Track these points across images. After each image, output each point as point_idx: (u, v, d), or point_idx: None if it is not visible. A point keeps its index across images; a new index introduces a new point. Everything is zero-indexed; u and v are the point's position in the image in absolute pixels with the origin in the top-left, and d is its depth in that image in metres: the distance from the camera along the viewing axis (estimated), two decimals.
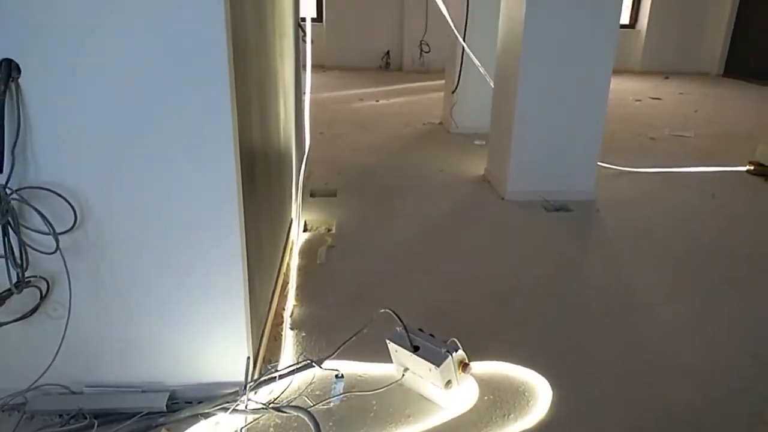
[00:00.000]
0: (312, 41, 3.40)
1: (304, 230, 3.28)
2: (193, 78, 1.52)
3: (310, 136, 3.43)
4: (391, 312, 1.89)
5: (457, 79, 5.58)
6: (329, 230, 3.30)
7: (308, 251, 2.99)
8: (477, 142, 5.34)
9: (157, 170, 1.59)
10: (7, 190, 1.51)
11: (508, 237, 3.34)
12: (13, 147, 1.50)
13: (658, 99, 8.36)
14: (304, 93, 3.27)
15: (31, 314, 1.68)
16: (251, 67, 1.93)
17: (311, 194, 3.87)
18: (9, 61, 1.45)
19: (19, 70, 1.46)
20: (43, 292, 1.67)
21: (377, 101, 7.54)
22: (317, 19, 10.42)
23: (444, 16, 5.24)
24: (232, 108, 1.58)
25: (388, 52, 10.71)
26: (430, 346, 1.85)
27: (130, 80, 1.51)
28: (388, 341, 1.91)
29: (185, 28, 1.47)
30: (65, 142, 1.54)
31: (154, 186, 1.61)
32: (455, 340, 1.89)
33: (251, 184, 1.90)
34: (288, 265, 2.77)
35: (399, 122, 6.29)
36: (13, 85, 1.46)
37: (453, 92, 5.67)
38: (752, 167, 4.63)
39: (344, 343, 1.95)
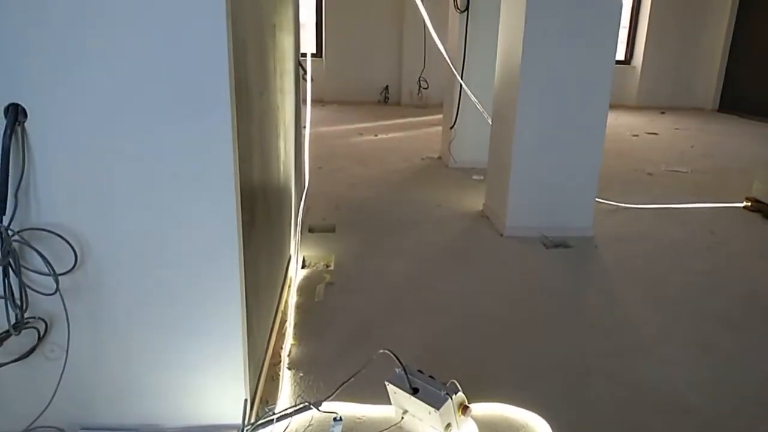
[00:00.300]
0: (312, 79, 3.46)
1: (303, 266, 3.28)
2: (195, 119, 1.54)
3: (309, 170, 3.46)
4: (390, 353, 1.88)
5: (455, 115, 5.65)
6: (327, 266, 3.30)
7: (306, 288, 2.99)
8: (475, 177, 5.39)
9: (158, 212, 1.60)
10: (9, 231, 1.52)
11: (508, 274, 3.34)
12: (17, 189, 1.51)
13: (655, 134, 8.45)
14: (304, 127, 3.31)
15: (28, 355, 1.67)
16: (253, 107, 1.96)
17: (310, 230, 3.88)
18: (16, 106, 1.47)
19: (25, 114, 1.48)
20: (41, 333, 1.67)
21: (376, 135, 7.61)
22: (317, 55, 10.59)
23: (442, 54, 5.34)
24: (234, 148, 1.60)
25: (386, 86, 10.85)
26: (429, 388, 1.84)
27: (132, 122, 1.53)
28: (387, 383, 1.89)
29: (189, 71, 1.50)
30: (68, 184, 1.56)
31: (154, 227, 1.62)
32: (455, 381, 1.88)
33: (251, 223, 1.91)
34: (286, 302, 2.76)
35: (398, 157, 6.35)
36: (19, 129, 1.48)
37: (451, 128, 5.73)
38: (749, 203, 4.66)
39: (342, 385, 1.94)
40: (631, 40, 11.57)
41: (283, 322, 2.59)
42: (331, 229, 3.92)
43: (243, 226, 1.70)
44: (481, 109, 5.16)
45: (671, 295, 3.10)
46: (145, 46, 1.48)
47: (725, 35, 10.88)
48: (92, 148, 1.53)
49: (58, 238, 1.58)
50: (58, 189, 1.56)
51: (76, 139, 1.52)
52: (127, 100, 1.51)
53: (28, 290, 1.60)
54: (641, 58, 11.34)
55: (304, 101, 3.71)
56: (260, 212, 2.12)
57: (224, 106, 1.53)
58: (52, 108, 1.49)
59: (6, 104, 1.47)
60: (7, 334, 1.59)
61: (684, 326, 2.76)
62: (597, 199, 4.04)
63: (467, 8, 5.33)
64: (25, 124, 1.49)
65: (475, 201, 4.60)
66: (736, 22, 10.78)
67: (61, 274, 1.59)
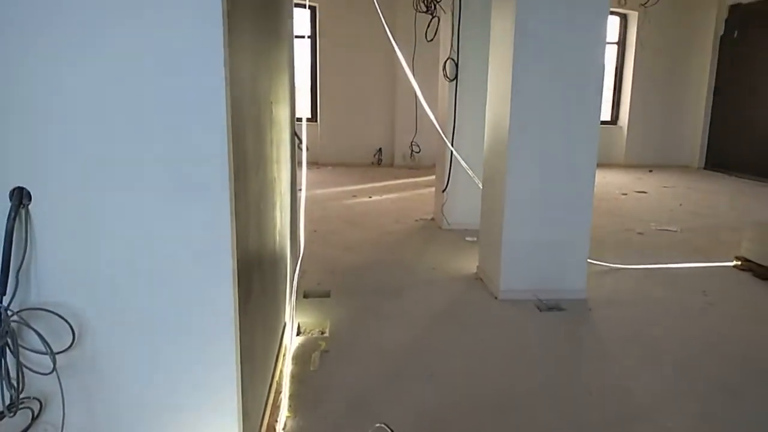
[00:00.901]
0: (308, 148, 3.56)
1: (298, 333, 3.27)
2: (194, 202, 1.59)
3: (304, 234, 3.50)
4: (386, 427, 1.87)
5: (447, 179, 5.76)
6: (323, 333, 3.30)
7: (302, 356, 2.97)
8: (468, 239, 5.44)
9: (155, 290, 1.63)
10: (8, 312, 1.53)
11: (504, 340, 3.33)
12: (18, 270, 1.54)
13: (644, 192, 8.59)
14: (299, 189, 3.37)
15: None
16: (250, 184, 2.02)
17: (304, 295, 3.88)
18: (21, 189, 1.52)
19: (30, 197, 1.53)
20: (35, 413, 1.65)
21: (370, 197, 7.70)
22: (312, 119, 10.84)
23: (433, 122, 5.49)
24: (232, 228, 1.64)
25: (380, 149, 11.07)
26: None
27: (132, 204, 1.57)
28: None
29: (189, 156, 1.56)
30: (68, 264, 1.59)
31: (151, 305, 1.64)
32: None
33: (247, 297, 1.93)
34: (281, 372, 2.74)
35: (391, 218, 6.41)
36: (23, 212, 1.53)
37: (443, 191, 5.83)
38: (739, 262, 4.72)
39: None
40: (616, 101, 11.92)
41: (278, 392, 2.57)
42: (326, 294, 3.93)
43: (239, 300, 1.72)
44: (472, 174, 5.27)
45: (667, 360, 3.10)
46: (146, 133, 1.54)
47: (706, 95, 11.23)
48: (93, 229, 1.57)
49: (56, 317, 1.59)
50: (58, 269, 1.59)
51: (78, 221, 1.56)
52: (128, 183, 1.56)
53: (24, 370, 1.60)
54: (627, 119, 11.66)
55: (300, 164, 3.80)
56: (256, 284, 2.14)
57: (223, 188, 1.58)
58: (56, 192, 1.54)
59: (12, 187, 1.52)
60: (1, 416, 1.58)
61: (682, 393, 2.75)
62: (589, 260, 4.08)
63: (456, 77, 5.52)
64: (29, 207, 1.54)
65: (468, 263, 4.63)
66: (716, 83, 11.15)
67: (58, 353, 1.59)
